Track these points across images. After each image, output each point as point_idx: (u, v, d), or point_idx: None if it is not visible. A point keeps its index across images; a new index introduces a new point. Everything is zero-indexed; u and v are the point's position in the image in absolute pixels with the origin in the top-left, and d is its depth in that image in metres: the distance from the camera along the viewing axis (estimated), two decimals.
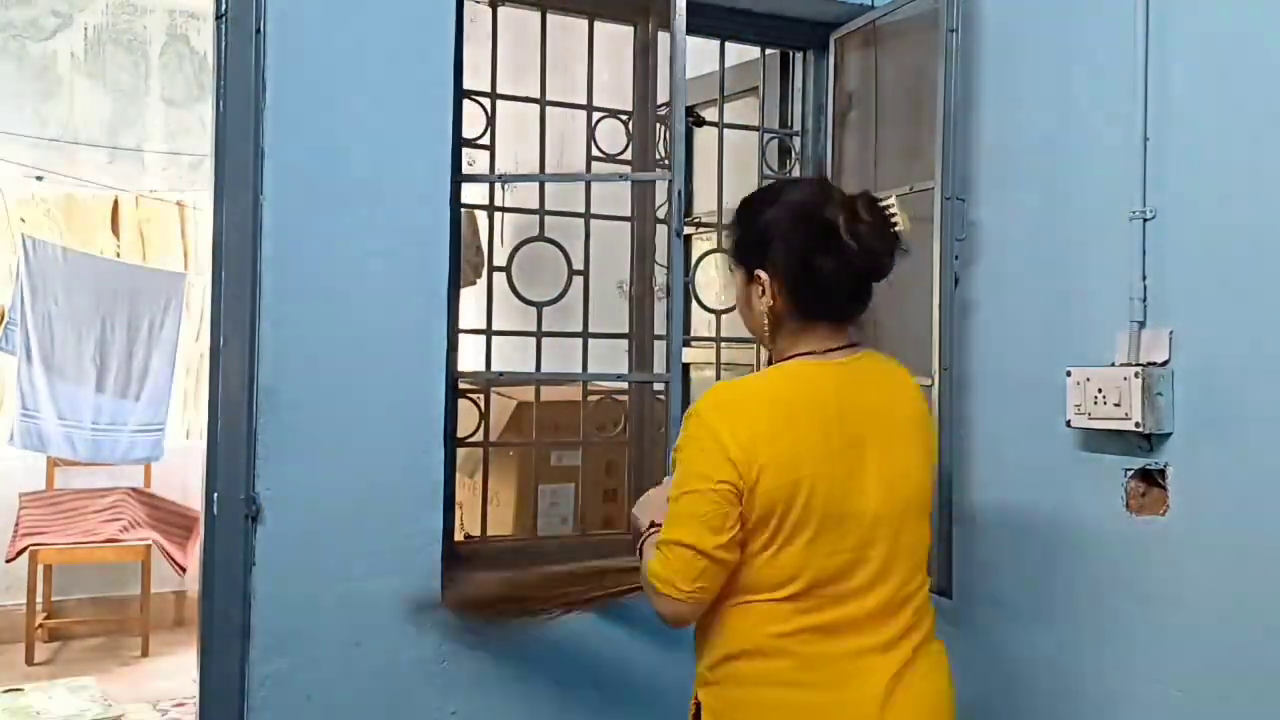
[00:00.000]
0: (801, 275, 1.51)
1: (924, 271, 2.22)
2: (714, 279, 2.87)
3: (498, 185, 2.45)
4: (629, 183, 2.57)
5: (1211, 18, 1.83)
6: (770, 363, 1.62)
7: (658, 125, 2.55)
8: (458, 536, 2.41)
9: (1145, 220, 1.90)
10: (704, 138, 2.91)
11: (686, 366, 3.01)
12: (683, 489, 1.48)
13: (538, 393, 2.57)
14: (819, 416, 1.49)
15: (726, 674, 1.52)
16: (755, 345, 2.68)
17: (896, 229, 1.50)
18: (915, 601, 1.55)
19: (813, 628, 1.47)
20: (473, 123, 2.39)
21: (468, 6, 2.25)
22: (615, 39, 2.61)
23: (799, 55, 2.74)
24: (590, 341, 2.56)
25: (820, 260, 1.49)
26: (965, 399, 2.28)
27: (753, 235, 1.56)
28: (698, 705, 1.57)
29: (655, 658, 2.29)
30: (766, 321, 1.56)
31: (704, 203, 3.03)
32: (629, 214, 2.58)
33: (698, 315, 2.79)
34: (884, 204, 1.51)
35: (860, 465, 1.50)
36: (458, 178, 2.23)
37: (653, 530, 1.59)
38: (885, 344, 2.31)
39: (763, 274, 1.54)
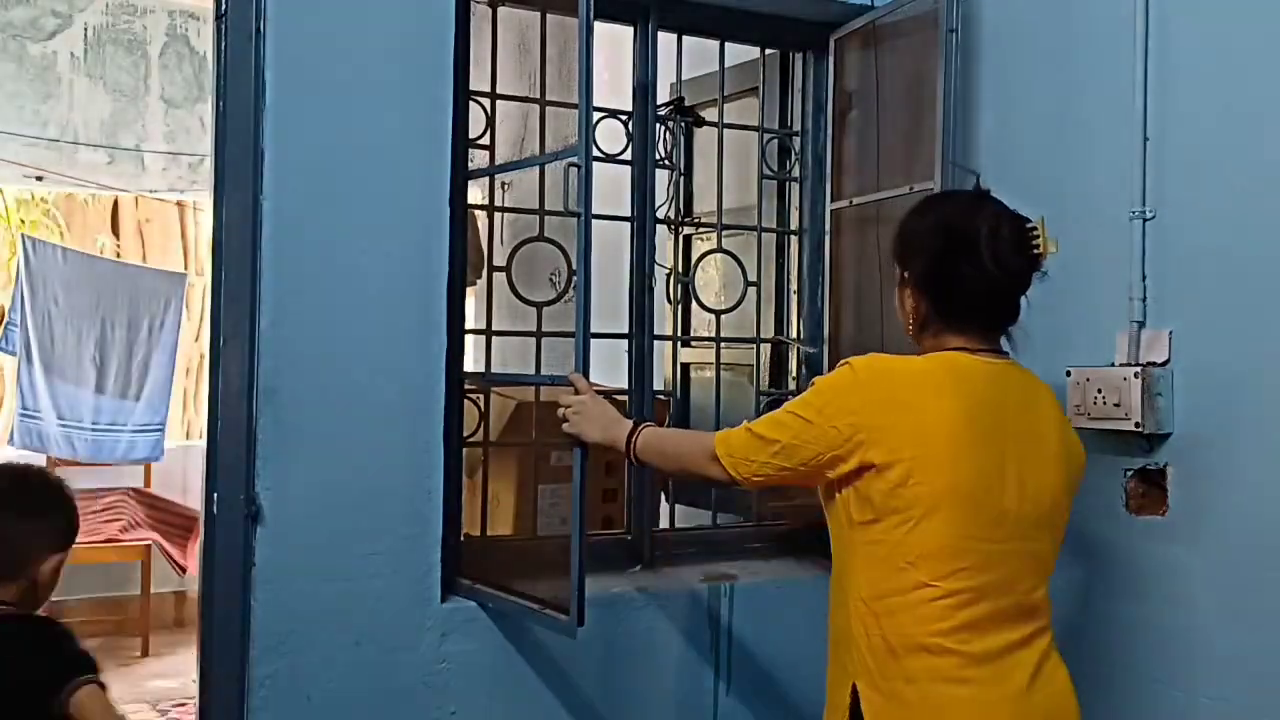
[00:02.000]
0: (938, 282, 1.60)
1: None
2: (714, 279, 2.87)
3: (498, 185, 2.45)
4: (627, 182, 2.56)
5: (1211, 18, 1.83)
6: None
7: (658, 125, 2.55)
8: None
9: (1145, 220, 1.91)
10: (704, 138, 2.91)
11: (686, 366, 3.02)
12: (803, 410, 1.58)
13: (538, 392, 2.57)
14: (966, 399, 1.54)
15: (894, 669, 1.53)
16: (755, 346, 2.68)
17: (1036, 250, 1.55)
18: (1042, 607, 1.60)
19: (967, 624, 1.51)
20: (473, 123, 2.38)
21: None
22: (615, 39, 2.61)
23: (799, 55, 2.74)
24: (590, 341, 2.55)
25: (956, 270, 1.57)
26: None
27: (908, 239, 1.66)
28: (854, 694, 1.57)
29: (656, 657, 2.29)
30: (911, 320, 1.65)
31: (704, 203, 3.03)
32: (629, 214, 2.58)
33: (698, 315, 2.79)
34: (1029, 225, 1.57)
35: (1000, 461, 1.53)
36: (462, 177, 2.23)
37: (645, 425, 1.85)
38: (891, 342, 2.32)
39: (909, 276, 1.64)
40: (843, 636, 1.60)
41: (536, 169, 2.56)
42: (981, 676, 1.51)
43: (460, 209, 2.22)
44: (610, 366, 2.62)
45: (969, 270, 1.56)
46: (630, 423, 1.88)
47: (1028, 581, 1.56)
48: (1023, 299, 1.61)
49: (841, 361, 1.61)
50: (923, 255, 1.61)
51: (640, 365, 2.54)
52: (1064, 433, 1.64)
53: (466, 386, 2.39)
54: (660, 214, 2.64)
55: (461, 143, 2.26)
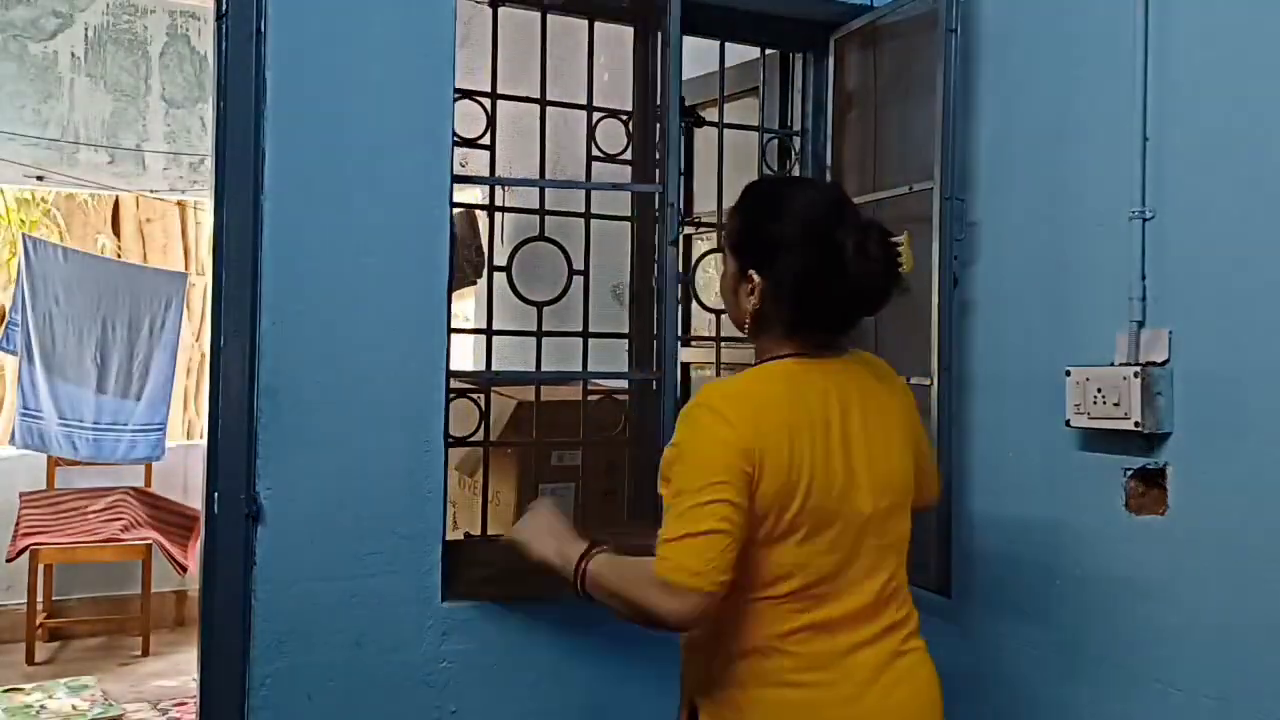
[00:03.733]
0: (796, 292, 1.53)
1: (923, 271, 2.22)
2: (714, 279, 2.86)
3: (498, 186, 2.46)
4: (629, 182, 2.57)
5: (1212, 18, 1.83)
6: (756, 358, 1.62)
7: (658, 125, 2.55)
8: (458, 536, 2.40)
9: (1145, 220, 1.90)
10: (704, 138, 2.91)
11: (686, 366, 3.01)
12: (705, 480, 1.43)
13: (538, 392, 2.57)
14: (809, 417, 1.51)
15: (728, 676, 1.53)
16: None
17: (900, 268, 1.51)
18: (900, 594, 1.59)
19: (809, 625, 1.50)
20: (473, 123, 2.39)
21: (468, 7, 2.25)
22: (615, 39, 2.61)
23: (799, 55, 2.74)
24: (590, 341, 2.56)
25: (819, 283, 1.51)
26: (965, 399, 2.28)
27: (757, 237, 1.57)
28: (692, 711, 1.59)
29: (656, 657, 2.29)
30: (750, 320, 1.58)
31: (704, 203, 3.03)
32: (629, 214, 2.59)
33: (698, 315, 2.79)
34: (895, 240, 1.52)
35: (851, 465, 1.52)
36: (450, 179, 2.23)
37: (599, 549, 1.60)
38: (887, 344, 2.32)
39: (756, 276, 1.55)
40: (689, 651, 1.62)
41: (537, 167, 2.57)
42: (816, 680, 1.49)
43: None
44: (610, 367, 2.61)
45: (835, 284, 1.50)
46: (584, 543, 1.63)
47: (886, 571, 1.55)
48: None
49: (688, 409, 1.51)
50: (782, 260, 1.53)
51: (640, 365, 2.54)
52: (905, 406, 1.65)
53: (464, 386, 2.39)
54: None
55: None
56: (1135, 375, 1.85)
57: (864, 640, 1.52)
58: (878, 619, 1.54)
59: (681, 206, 2.89)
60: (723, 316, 2.64)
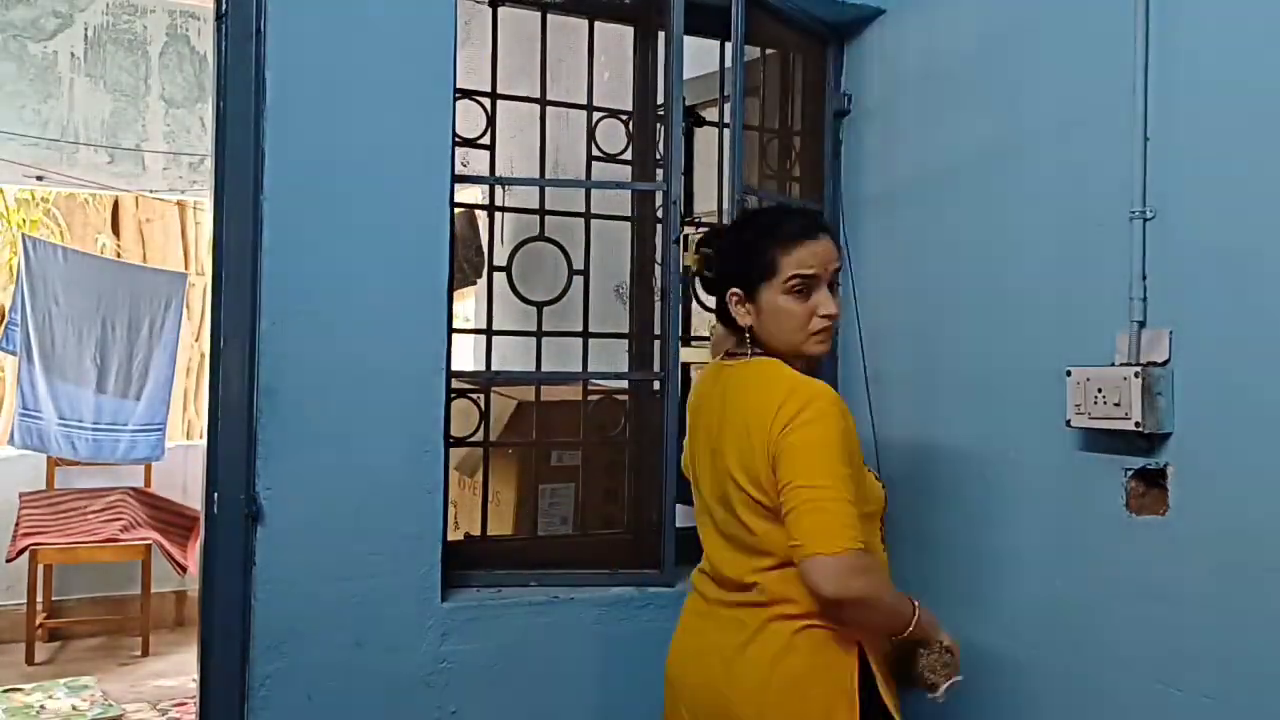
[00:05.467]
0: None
1: (924, 269, 2.22)
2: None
3: (498, 185, 2.46)
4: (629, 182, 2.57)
5: (1212, 18, 1.83)
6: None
7: (658, 125, 2.55)
8: (458, 536, 2.41)
9: (1145, 220, 1.90)
10: (704, 138, 2.91)
11: (686, 366, 3.01)
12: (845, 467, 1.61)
13: (538, 392, 2.57)
14: (696, 399, 1.86)
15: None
16: None
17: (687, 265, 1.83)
18: (746, 583, 1.71)
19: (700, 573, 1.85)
20: (473, 123, 2.39)
21: (468, 7, 2.25)
22: (615, 39, 2.61)
23: (799, 55, 2.74)
24: (590, 341, 2.56)
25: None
26: (965, 398, 2.28)
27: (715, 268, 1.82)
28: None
29: (656, 657, 2.29)
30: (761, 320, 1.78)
31: (704, 203, 3.03)
32: (629, 214, 2.59)
33: (698, 315, 2.79)
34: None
35: (706, 447, 1.77)
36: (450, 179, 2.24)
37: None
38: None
39: (733, 289, 1.77)
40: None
41: (537, 168, 2.57)
42: (686, 623, 1.84)
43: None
44: (610, 367, 2.61)
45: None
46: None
47: (723, 555, 1.75)
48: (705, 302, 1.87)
49: (816, 398, 1.64)
50: (734, 261, 1.79)
51: (639, 365, 2.54)
52: (753, 417, 1.67)
53: (464, 386, 2.39)
54: (660, 214, 2.64)
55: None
56: (1136, 375, 1.85)
57: (721, 603, 1.77)
58: (731, 592, 1.75)
59: (682, 205, 2.89)
60: None
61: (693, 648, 1.80)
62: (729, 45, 2.62)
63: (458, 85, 2.17)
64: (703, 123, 2.91)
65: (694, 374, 3.06)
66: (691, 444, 1.84)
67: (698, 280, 1.85)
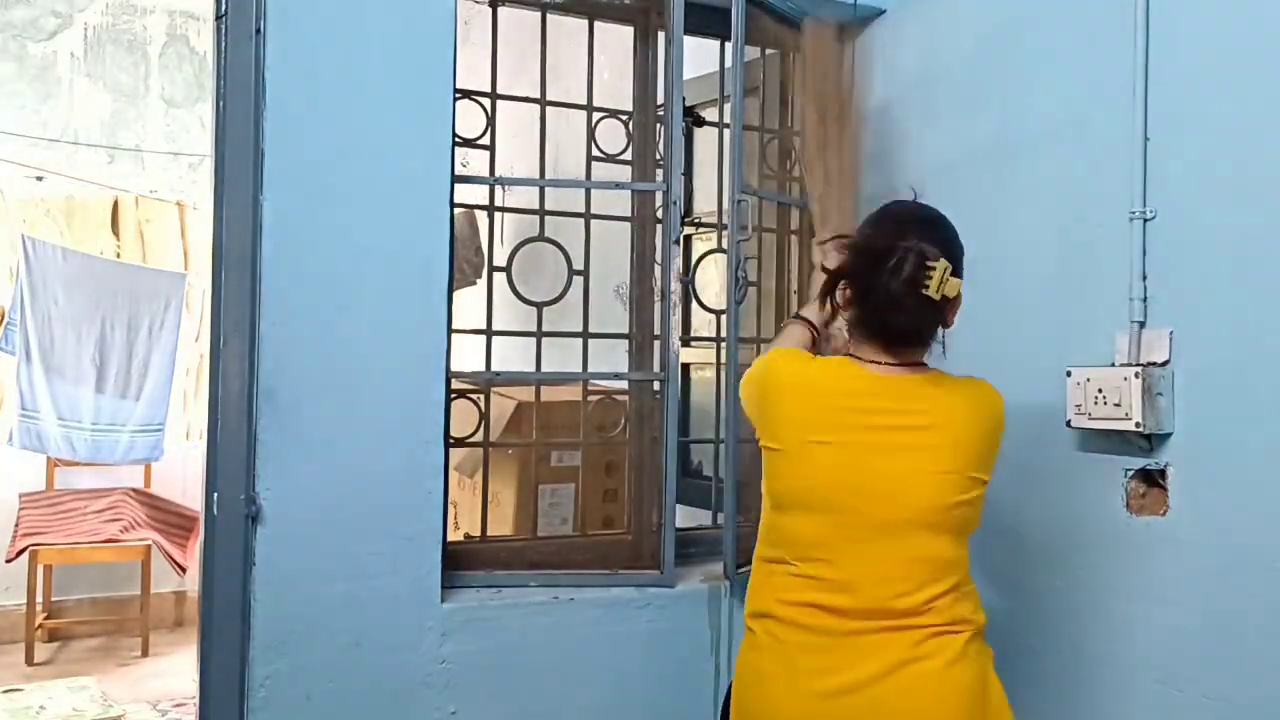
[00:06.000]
0: (854, 292, 1.68)
1: None
2: (714, 279, 2.87)
3: (498, 185, 2.46)
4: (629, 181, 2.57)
5: (1212, 18, 1.83)
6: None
7: (658, 125, 2.55)
8: (458, 536, 2.41)
9: (1145, 220, 1.90)
10: (704, 138, 2.91)
11: (686, 366, 3.02)
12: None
13: (538, 393, 2.57)
14: (841, 405, 1.66)
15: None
16: (755, 345, 2.68)
17: (925, 287, 1.58)
18: (916, 611, 1.62)
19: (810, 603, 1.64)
20: (473, 123, 2.39)
21: (468, 7, 2.26)
22: (615, 39, 2.61)
23: (799, 55, 2.73)
24: (590, 342, 2.56)
25: (865, 286, 1.65)
26: None
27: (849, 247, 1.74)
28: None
29: (657, 656, 2.29)
30: (846, 320, 1.75)
31: (704, 202, 3.03)
32: (629, 214, 2.59)
33: (698, 315, 2.79)
34: (929, 264, 1.59)
35: (861, 461, 1.62)
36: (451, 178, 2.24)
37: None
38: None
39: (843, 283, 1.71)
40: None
41: (537, 169, 2.57)
42: (795, 662, 1.63)
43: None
44: (610, 367, 2.61)
45: (868, 290, 1.64)
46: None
47: (900, 585, 1.61)
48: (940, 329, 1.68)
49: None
50: (850, 265, 1.68)
51: (639, 365, 2.54)
52: (963, 432, 1.65)
53: (464, 386, 2.39)
54: (660, 215, 2.64)
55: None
56: (1136, 375, 1.85)
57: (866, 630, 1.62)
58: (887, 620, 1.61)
59: (682, 205, 2.89)
60: (722, 317, 2.63)
61: (832, 686, 1.60)
62: (729, 45, 2.64)
63: (458, 85, 2.18)
64: (703, 123, 2.91)
65: (694, 374, 3.06)
66: (835, 463, 1.64)
67: (931, 291, 1.60)
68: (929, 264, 1.58)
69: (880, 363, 1.67)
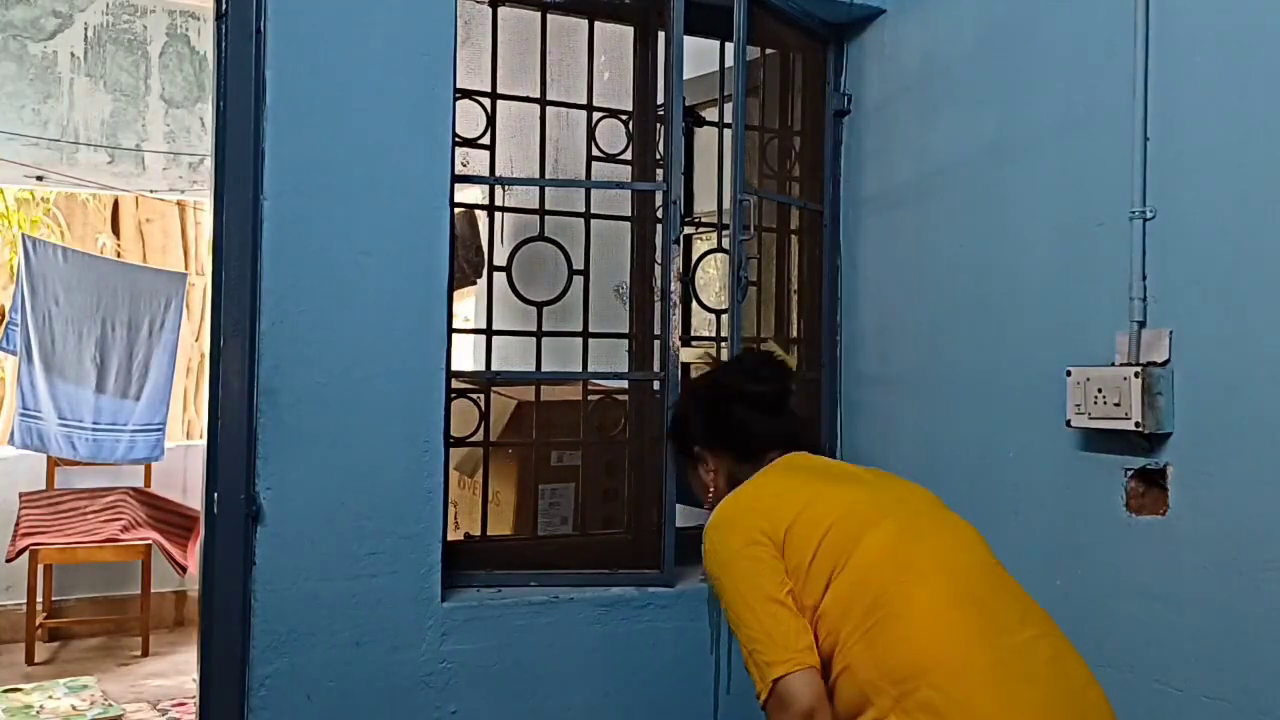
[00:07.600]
0: (723, 434, 1.70)
1: (924, 269, 2.23)
2: (714, 279, 2.87)
3: (498, 185, 2.47)
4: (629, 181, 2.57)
5: (1212, 18, 1.83)
6: None
7: (658, 125, 2.55)
8: (458, 536, 2.41)
9: (1145, 220, 1.91)
10: (704, 138, 2.91)
11: (686, 366, 3.01)
12: (746, 578, 1.52)
13: (538, 392, 2.57)
14: (809, 475, 1.62)
15: None
16: (755, 345, 2.68)
17: (782, 363, 1.75)
18: None
19: None
20: (473, 123, 2.39)
21: (468, 7, 2.26)
22: (615, 39, 2.61)
23: (799, 55, 2.74)
24: (590, 341, 2.56)
25: (732, 416, 1.68)
26: (965, 399, 2.28)
27: (675, 424, 1.82)
28: None
29: (657, 656, 2.29)
30: (718, 483, 1.72)
31: (704, 203, 3.03)
32: (629, 214, 2.59)
33: (698, 315, 2.79)
34: (775, 355, 1.79)
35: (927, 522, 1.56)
36: (452, 178, 2.24)
37: None
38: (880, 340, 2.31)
39: (696, 448, 1.74)
40: None
41: (537, 168, 2.57)
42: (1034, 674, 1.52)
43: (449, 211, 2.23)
44: (610, 367, 2.61)
45: (740, 409, 1.67)
46: None
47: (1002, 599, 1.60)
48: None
49: (711, 527, 1.62)
50: (697, 420, 1.72)
51: (639, 365, 2.54)
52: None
53: (464, 386, 2.39)
54: (660, 215, 2.64)
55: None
56: (1136, 375, 1.85)
57: None
58: None
59: (682, 205, 2.89)
60: (723, 317, 2.64)
61: (1065, 689, 1.49)
62: (729, 45, 2.64)
63: (458, 85, 2.18)
64: (703, 123, 2.91)
65: (694, 374, 3.06)
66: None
67: None
68: (774, 355, 1.82)
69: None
